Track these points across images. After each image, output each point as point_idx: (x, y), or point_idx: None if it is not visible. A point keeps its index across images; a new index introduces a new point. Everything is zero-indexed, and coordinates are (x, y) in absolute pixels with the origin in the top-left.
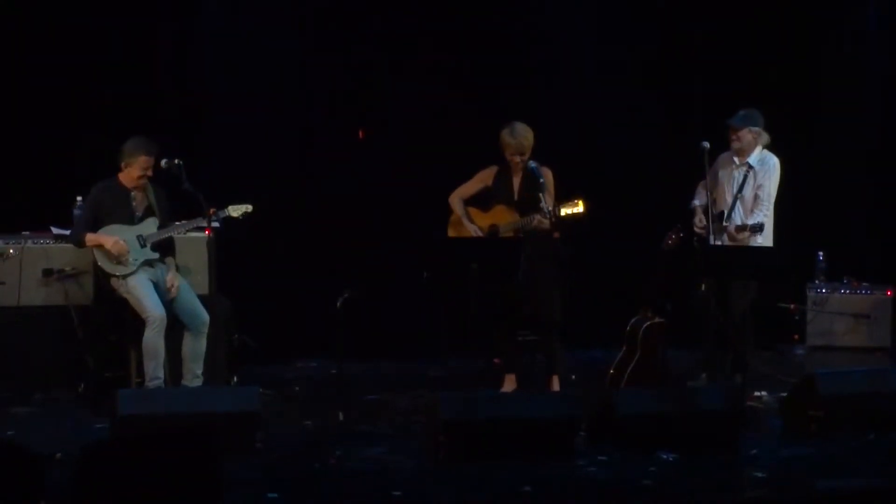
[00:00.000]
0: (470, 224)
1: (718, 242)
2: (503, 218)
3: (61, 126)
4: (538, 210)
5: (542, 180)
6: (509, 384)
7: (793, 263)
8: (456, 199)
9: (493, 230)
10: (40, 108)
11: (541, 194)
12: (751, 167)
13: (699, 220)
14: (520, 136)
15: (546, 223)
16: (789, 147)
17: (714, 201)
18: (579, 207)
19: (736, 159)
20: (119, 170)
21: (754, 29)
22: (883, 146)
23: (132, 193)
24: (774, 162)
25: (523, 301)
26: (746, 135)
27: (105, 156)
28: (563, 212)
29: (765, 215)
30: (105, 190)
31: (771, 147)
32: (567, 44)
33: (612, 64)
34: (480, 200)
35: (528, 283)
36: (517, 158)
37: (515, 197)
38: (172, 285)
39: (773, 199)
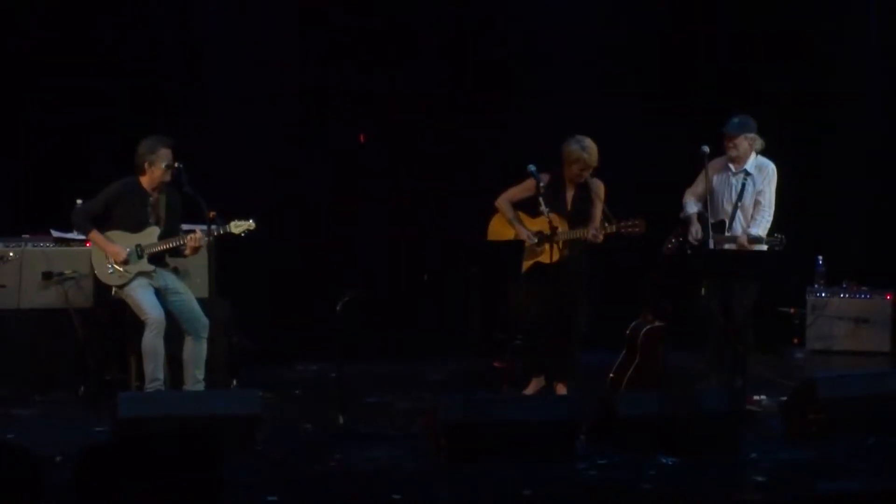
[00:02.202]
0: (520, 227)
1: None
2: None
3: (61, 129)
4: (590, 224)
5: (542, 183)
6: (535, 386)
7: (787, 264)
8: (505, 202)
9: (540, 237)
10: (40, 111)
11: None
12: (748, 174)
13: (696, 232)
14: (592, 151)
15: (600, 238)
16: (789, 152)
17: (708, 209)
18: (639, 228)
19: (732, 167)
20: (135, 172)
21: (754, 34)
22: (882, 150)
23: (150, 199)
24: (772, 167)
25: (550, 306)
26: (743, 142)
27: (104, 159)
28: (624, 230)
29: (768, 222)
30: (128, 189)
31: (766, 152)
32: (567, 46)
33: (613, 67)
34: (524, 206)
35: (559, 289)
36: (586, 174)
37: (568, 208)
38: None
39: (773, 205)
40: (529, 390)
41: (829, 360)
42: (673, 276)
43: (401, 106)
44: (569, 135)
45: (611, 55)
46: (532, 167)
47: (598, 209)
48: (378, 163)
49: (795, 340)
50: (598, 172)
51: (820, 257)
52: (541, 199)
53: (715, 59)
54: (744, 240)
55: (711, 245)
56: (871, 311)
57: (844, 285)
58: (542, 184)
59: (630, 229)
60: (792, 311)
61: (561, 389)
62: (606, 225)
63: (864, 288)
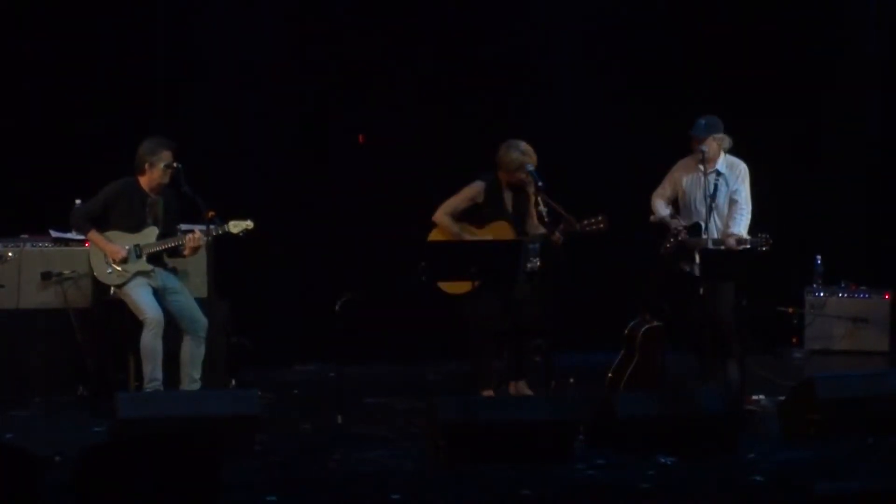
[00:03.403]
0: (471, 238)
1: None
2: (504, 234)
3: (59, 129)
4: (546, 223)
5: (540, 183)
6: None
7: (786, 264)
8: (446, 217)
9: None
10: (38, 111)
11: (542, 204)
12: (720, 174)
13: (677, 223)
14: (529, 153)
15: (559, 240)
16: (787, 152)
17: (679, 211)
18: (602, 225)
19: (702, 167)
20: (135, 172)
21: (752, 32)
22: (880, 150)
23: (148, 199)
24: (744, 166)
25: (523, 307)
26: (711, 143)
27: (103, 159)
28: (587, 227)
29: (747, 220)
30: (126, 189)
31: (735, 151)
32: (567, 47)
33: (609, 68)
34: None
35: (530, 289)
36: (524, 175)
37: (511, 212)
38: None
39: (750, 203)
40: None
41: (828, 359)
42: (671, 276)
43: (400, 107)
44: (504, 140)
45: (610, 56)
46: (530, 167)
47: (533, 204)
48: (377, 163)
49: (794, 340)
50: (596, 173)
51: (818, 257)
52: (539, 199)
53: (713, 61)
54: (732, 242)
55: (711, 245)
56: (870, 310)
57: (843, 285)
58: (539, 184)
59: (592, 227)
60: (790, 310)
61: (523, 389)
62: (564, 224)
63: (862, 287)
